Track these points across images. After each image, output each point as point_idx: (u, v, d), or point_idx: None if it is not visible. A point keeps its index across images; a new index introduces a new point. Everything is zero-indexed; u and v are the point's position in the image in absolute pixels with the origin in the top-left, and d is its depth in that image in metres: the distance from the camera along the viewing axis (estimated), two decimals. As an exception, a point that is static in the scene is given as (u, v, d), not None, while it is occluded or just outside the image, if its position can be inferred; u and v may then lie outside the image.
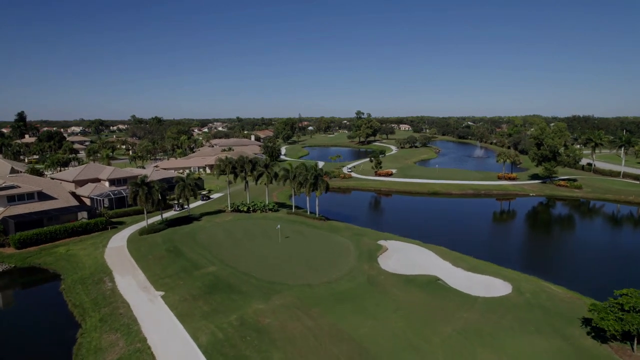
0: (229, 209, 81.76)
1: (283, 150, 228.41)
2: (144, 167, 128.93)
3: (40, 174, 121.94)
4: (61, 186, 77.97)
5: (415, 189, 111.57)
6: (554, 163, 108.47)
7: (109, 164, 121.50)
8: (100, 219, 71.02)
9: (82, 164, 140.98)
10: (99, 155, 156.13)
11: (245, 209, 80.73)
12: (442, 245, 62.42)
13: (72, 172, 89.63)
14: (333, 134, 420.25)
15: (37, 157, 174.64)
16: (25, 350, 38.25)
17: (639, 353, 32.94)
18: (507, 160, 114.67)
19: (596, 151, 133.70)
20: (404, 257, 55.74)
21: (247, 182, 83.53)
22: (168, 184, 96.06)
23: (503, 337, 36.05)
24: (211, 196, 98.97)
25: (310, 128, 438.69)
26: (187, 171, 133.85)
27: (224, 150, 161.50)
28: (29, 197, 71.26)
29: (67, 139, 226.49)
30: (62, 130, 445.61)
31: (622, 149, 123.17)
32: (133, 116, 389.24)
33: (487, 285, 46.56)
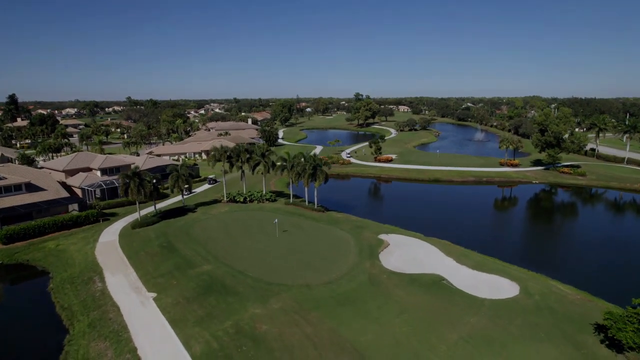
0: (225, 199, 79.38)
1: (281, 133, 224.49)
2: (137, 153, 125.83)
3: (31, 161, 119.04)
4: (50, 177, 75.20)
5: (415, 176, 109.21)
6: (558, 150, 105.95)
7: (102, 150, 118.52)
8: (92, 211, 68.58)
9: (75, 150, 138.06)
10: (92, 140, 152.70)
11: (241, 199, 78.33)
12: (444, 238, 60.57)
13: (62, 161, 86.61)
14: (331, 115, 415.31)
15: (29, 141, 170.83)
16: (9, 358, 36.41)
17: (656, 364, 31.26)
18: (510, 147, 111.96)
19: (600, 136, 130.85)
20: (406, 253, 53.74)
21: (243, 172, 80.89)
22: (162, 173, 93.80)
23: (512, 344, 34.29)
24: (207, 184, 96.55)
25: (308, 109, 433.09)
26: (183, 157, 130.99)
27: (221, 134, 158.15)
28: (16, 188, 68.51)
29: (61, 122, 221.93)
30: (56, 112, 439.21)
31: (627, 134, 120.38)
32: (128, 98, 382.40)
33: (494, 285, 44.69)
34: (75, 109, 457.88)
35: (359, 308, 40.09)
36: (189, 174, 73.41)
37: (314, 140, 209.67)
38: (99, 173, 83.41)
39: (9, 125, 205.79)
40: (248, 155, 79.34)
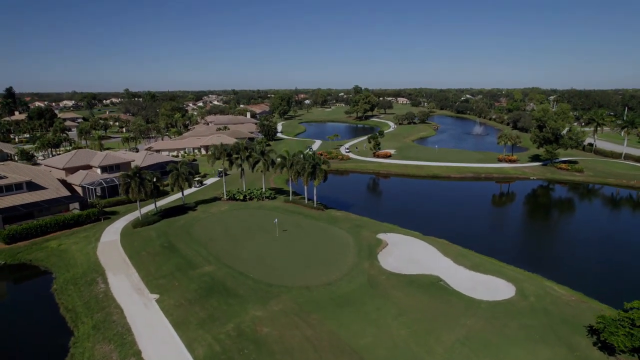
0: (225, 197, 79.88)
1: (279, 127, 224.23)
2: (136, 149, 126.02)
3: (31, 157, 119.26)
4: (51, 175, 75.49)
5: (414, 172, 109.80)
6: (556, 146, 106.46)
7: (101, 146, 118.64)
8: (93, 210, 69.08)
9: (74, 145, 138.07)
10: (91, 135, 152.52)
11: (241, 197, 78.86)
12: (442, 237, 61.47)
13: (62, 158, 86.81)
14: (330, 107, 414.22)
15: (28, 136, 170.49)
16: (17, 358, 37.21)
17: (647, 367, 32.16)
18: (508, 142, 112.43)
19: (598, 130, 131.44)
20: (404, 253, 54.48)
21: (242, 170, 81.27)
22: (162, 170, 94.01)
23: (507, 347, 35.13)
24: (205, 182, 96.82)
25: (307, 102, 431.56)
26: (182, 152, 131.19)
27: (220, 129, 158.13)
28: (17, 187, 68.89)
29: (59, 115, 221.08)
30: (53, 104, 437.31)
31: (625, 129, 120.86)
32: (126, 90, 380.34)
33: (490, 286, 45.51)
34: (73, 101, 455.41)
35: (358, 310, 40.89)
36: (189, 172, 73.71)
37: (313, 134, 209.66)
38: (99, 171, 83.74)
39: (7, 119, 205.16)
40: (247, 153, 79.67)
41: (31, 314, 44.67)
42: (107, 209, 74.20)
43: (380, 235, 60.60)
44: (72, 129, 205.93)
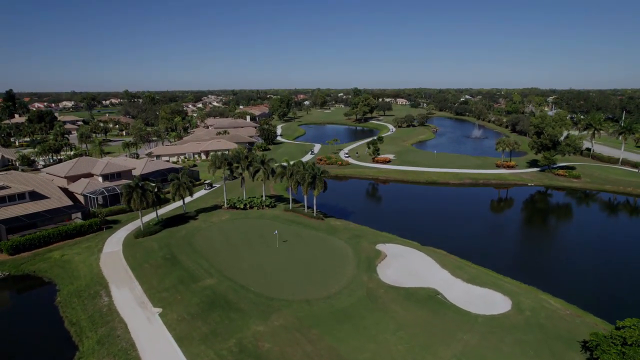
0: (226, 205, 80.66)
1: (279, 129, 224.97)
2: (137, 154, 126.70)
3: (32, 162, 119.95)
4: (53, 184, 76.21)
5: (413, 178, 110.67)
6: (554, 152, 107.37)
7: (101, 151, 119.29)
8: (95, 219, 69.82)
9: (75, 150, 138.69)
10: (91, 139, 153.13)
11: (241, 205, 79.65)
12: (440, 245, 62.70)
13: (64, 166, 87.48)
14: (329, 109, 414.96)
15: (28, 139, 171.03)
16: (23, 375, 38.04)
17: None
18: (507, 149, 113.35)
19: (596, 135, 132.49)
20: (402, 265, 55.34)
21: (243, 179, 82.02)
22: (162, 177, 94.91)
23: (503, 363, 36.03)
24: (213, 185, 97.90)
25: (306, 103, 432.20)
26: (182, 157, 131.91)
27: (219, 133, 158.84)
28: (20, 197, 69.63)
29: (59, 118, 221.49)
30: (53, 105, 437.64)
31: (622, 135, 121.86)
32: (126, 91, 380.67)
33: (487, 300, 46.40)
34: (73, 102, 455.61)
35: (357, 325, 41.74)
36: (190, 182, 74.44)
37: (312, 137, 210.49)
38: (100, 179, 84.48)
39: (7, 122, 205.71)
40: (248, 162, 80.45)
41: (36, 326, 45.42)
42: (108, 218, 74.98)
43: (379, 246, 61.46)
44: (73, 132, 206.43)
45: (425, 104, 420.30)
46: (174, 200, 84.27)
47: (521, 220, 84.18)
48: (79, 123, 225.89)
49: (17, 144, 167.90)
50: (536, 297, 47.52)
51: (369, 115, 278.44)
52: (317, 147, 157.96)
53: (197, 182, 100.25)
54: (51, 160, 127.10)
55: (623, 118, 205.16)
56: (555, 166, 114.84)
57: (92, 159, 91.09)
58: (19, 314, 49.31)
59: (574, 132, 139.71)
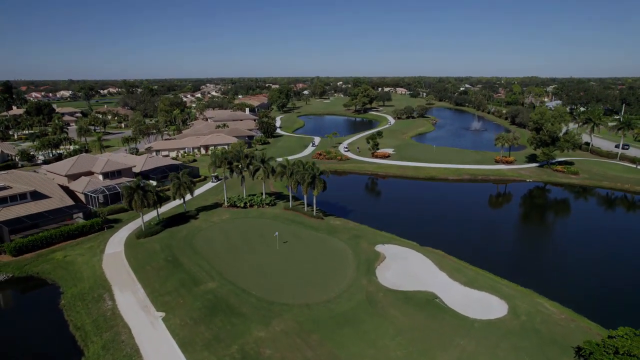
0: (226, 203, 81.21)
1: (278, 121, 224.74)
2: (136, 149, 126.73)
3: (31, 157, 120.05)
4: (55, 183, 76.52)
5: (412, 174, 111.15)
6: (553, 148, 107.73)
7: (101, 147, 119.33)
8: (97, 219, 70.37)
9: (74, 144, 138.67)
10: (91, 132, 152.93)
11: (241, 204, 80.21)
12: (438, 246, 63.63)
13: (64, 164, 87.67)
14: (329, 98, 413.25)
15: (27, 132, 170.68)
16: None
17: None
18: (506, 144, 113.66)
19: (595, 129, 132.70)
20: (401, 267, 56.14)
21: (243, 177, 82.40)
22: (162, 174, 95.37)
23: (498, 370, 37.00)
24: (219, 177, 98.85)
25: (305, 92, 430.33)
26: (182, 152, 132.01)
27: (219, 126, 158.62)
28: (21, 197, 70.06)
29: (57, 109, 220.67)
30: (50, 95, 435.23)
31: (621, 130, 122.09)
32: (124, 81, 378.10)
33: (484, 304, 47.29)
34: (70, 92, 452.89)
35: (357, 329, 42.64)
36: (190, 181, 74.82)
37: (311, 129, 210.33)
38: (100, 177, 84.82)
39: (5, 114, 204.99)
40: (248, 161, 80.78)
41: (42, 330, 46.25)
42: (110, 216, 75.59)
43: (379, 247, 62.23)
44: (71, 124, 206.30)
45: (424, 94, 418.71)
46: (174, 199, 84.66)
47: (518, 218, 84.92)
48: (78, 115, 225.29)
49: (15, 137, 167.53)
50: (532, 300, 48.41)
51: (368, 106, 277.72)
52: (316, 140, 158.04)
53: (197, 179, 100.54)
54: (50, 155, 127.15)
55: (622, 111, 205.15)
56: (554, 161, 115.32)
57: (92, 157, 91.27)
58: (25, 316, 50.00)
59: (574, 127, 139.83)
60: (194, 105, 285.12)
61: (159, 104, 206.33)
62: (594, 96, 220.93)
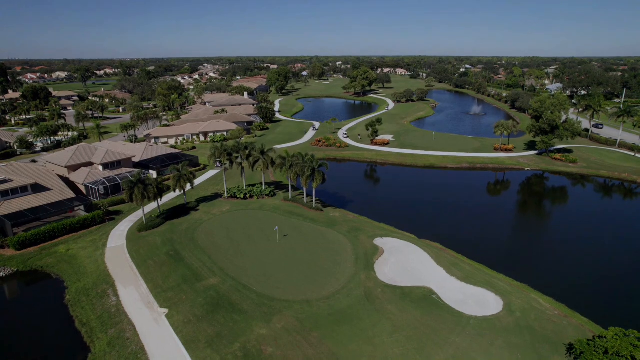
0: (226, 195, 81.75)
1: (277, 105, 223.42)
2: (135, 136, 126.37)
3: (30, 145, 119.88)
4: (55, 175, 76.77)
5: (411, 162, 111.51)
6: (552, 136, 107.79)
7: (100, 135, 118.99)
8: (98, 212, 70.93)
9: (72, 132, 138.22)
10: (89, 117, 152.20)
11: (241, 195, 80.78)
12: (436, 238, 65.09)
13: (64, 155, 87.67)
14: (328, 80, 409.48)
15: (24, 118, 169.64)
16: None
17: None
18: (505, 132, 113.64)
19: (595, 116, 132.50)
20: (399, 262, 57.12)
21: (242, 168, 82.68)
22: (162, 164, 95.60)
23: (492, 367, 38.30)
24: (217, 166, 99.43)
25: (304, 73, 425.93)
26: (181, 139, 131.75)
27: (217, 112, 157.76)
28: (22, 190, 70.49)
29: (53, 94, 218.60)
30: (46, 76, 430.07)
31: (621, 118, 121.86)
32: (120, 62, 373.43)
33: (479, 300, 48.42)
34: (67, 73, 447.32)
35: (355, 327, 43.80)
36: (190, 173, 75.11)
37: (311, 113, 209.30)
38: (100, 168, 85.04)
39: (1, 98, 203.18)
40: (248, 153, 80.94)
41: (49, 325, 47.33)
42: (111, 209, 76.19)
43: (377, 241, 63.13)
44: (69, 108, 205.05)
45: (424, 75, 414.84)
46: (175, 191, 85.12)
47: (516, 209, 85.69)
48: (75, 98, 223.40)
49: (13, 122, 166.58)
50: (527, 296, 49.56)
51: (368, 88, 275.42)
52: (316, 124, 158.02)
53: (196, 169, 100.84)
54: (49, 142, 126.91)
55: (623, 96, 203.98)
56: (553, 149, 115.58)
57: (91, 147, 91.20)
58: (32, 311, 50.90)
59: (573, 115, 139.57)
60: (191, 87, 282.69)
61: (157, 87, 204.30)
62: (595, 80, 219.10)
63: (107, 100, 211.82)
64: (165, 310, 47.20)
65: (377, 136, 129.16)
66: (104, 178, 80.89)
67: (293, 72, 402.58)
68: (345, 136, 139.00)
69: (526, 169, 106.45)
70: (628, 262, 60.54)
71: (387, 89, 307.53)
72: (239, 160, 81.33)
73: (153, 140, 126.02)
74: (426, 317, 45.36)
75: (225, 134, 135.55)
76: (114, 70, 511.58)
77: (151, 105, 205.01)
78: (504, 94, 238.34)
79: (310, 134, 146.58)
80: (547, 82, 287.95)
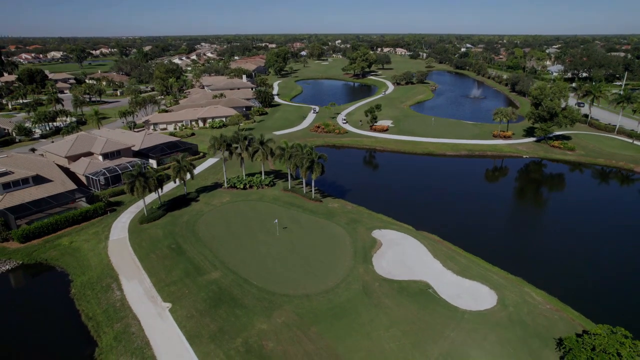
0: (226, 185, 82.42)
1: (275, 87, 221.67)
2: (134, 123, 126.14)
3: (29, 132, 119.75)
4: (55, 166, 77.04)
5: (410, 149, 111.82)
6: (550, 124, 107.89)
7: (98, 122, 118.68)
8: (99, 204, 71.70)
9: (71, 115, 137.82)
10: (86, 100, 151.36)
11: (241, 186, 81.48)
12: (433, 229, 66.24)
13: (64, 145, 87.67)
14: (327, 60, 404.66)
15: (21, 102, 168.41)
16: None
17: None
18: (504, 119, 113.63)
19: (595, 102, 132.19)
20: (397, 254, 58.32)
21: (242, 159, 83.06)
22: (161, 153, 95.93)
23: (484, 362, 39.87)
24: (207, 160, 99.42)
25: (303, 53, 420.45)
26: (180, 125, 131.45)
27: (216, 96, 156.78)
28: (24, 182, 70.98)
29: (50, 76, 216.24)
30: (41, 56, 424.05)
31: (621, 104, 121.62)
32: (116, 42, 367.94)
33: (474, 294, 49.78)
34: (62, 53, 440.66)
35: (353, 321, 45.23)
36: (190, 164, 75.58)
37: (309, 96, 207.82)
38: (100, 158, 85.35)
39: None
40: (247, 143, 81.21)
41: (56, 319, 48.68)
42: (112, 199, 76.94)
43: (375, 233, 64.21)
44: (65, 91, 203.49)
45: (424, 55, 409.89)
46: (175, 182, 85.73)
47: (512, 198, 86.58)
48: (71, 81, 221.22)
49: (10, 106, 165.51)
50: (521, 290, 50.93)
51: (367, 70, 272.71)
52: (316, 108, 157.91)
53: (195, 157, 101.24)
54: (47, 129, 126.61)
55: (625, 79, 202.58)
56: (551, 135, 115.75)
57: (91, 136, 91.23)
58: (39, 305, 51.94)
59: (573, 99, 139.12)
60: (189, 68, 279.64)
61: (154, 70, 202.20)
62: (597, 62, 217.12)
63: (104, 83, 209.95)
64: (169, 305, 48.55)
65: (376, 122, 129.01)
66: (104, 168, 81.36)
67: (292, 52, 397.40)
68: (345, 121, 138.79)
69: (524, 156, 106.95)
70: (621, 254, 61.69)
71: (386, 69, 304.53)
72: (238, 150, 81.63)
73: (152, 127, 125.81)
74: (422, 311, 46.78)
75: (224, 119, 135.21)
76: (110, 49, 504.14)
77: (149, 88, 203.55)
78: (505, 76, 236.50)
79: (310, 117, 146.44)
80: (548, 63, 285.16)
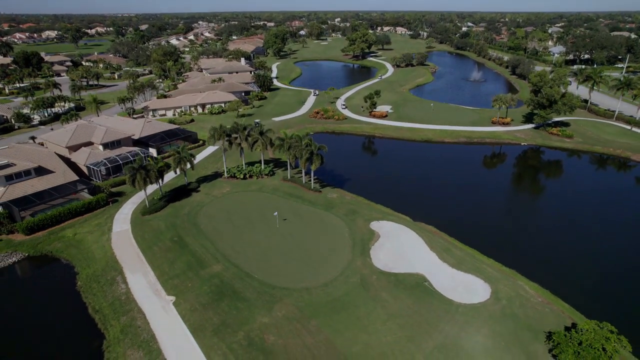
0: (226, 175, 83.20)
1: (274, 70, 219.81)
2: (133, 109, 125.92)
3: (28, 119, 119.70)
4: (57, 157, 77.54)
5: (409, 136, 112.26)
6: (549, 110, 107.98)
7: (97, 109, 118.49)
8: (102, 195, 72.66)
9: (69, 101, 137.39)
10: (84, 80, 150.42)
11: (241, 176, 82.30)
12: (430, 219, 67.47)
13: (64, 135, 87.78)
14: (326, 40, 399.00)
15: (18, 87, 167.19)
16: (58, 357, 43.52)
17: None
18: (503, 106, 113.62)
19: (595, 87, 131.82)
20: (394, 247, 59.68)
21: (242, 149, 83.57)
22: (161, 141, 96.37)
23: (476, 355, 41.61)
24: (207, 148, 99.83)
25: (302, 33, 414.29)
26: (179, 111, 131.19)
27: (214, 81, 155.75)
28: (26, 174, 71.65)
29: (45, 59, 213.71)
30: (35, 36, 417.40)
31: (621, 90, 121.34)
32: (112, 21, 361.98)
33: (468, 287, 51.33)
34: (56, 32, 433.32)
35: (351, 314, 46.86)
36: (191, 155, 76.18)
37: (309, 79, 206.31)
38: (100, 147, 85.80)
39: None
40: (246, 134, 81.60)
41: (64, 312, 50.36)
42: (113, 189, 77.75)
43: (373, 225, 65.44)
44: (62, 74, 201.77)
45: (425, 35, 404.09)
46: (176, 173, 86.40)
47: (509, 187, 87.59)
48: (68, 64, 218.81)
49: (7, 91, 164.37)
50: (514, 283, 52.46)
51: (367, 50, 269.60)
52: (316, 91, 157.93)
53: (195, 145, 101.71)
54: (46, 115, 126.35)
55: (627, 61, 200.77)
56: (550, 122, 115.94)
57: (91, 126, 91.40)
58: (46, 297, 53.41)
59: (574, 82, 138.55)
60: (187, 49, 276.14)
61: (151, 53, 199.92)
62: (599, 44, 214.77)
63: (101, 66, 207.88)
64: (173, 298, 50.09)
65: (375, 108, 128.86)
66: (105, 159, 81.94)
67: (290, 31, 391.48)
68: (344, 107, 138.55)
69: (522, 144, 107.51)
70: (613, 245, 63.01)
71: (386, 50, 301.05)
72: (237, 141, 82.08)
73: (151, 114, 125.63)
74: (418, 304, 48.38)
75: (223, 105, 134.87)
76: (105, 29, 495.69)
77: (146, 71, 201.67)
78: (505, 58, 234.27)
79: (310, 101, 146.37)
80: (550, 43, 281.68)
